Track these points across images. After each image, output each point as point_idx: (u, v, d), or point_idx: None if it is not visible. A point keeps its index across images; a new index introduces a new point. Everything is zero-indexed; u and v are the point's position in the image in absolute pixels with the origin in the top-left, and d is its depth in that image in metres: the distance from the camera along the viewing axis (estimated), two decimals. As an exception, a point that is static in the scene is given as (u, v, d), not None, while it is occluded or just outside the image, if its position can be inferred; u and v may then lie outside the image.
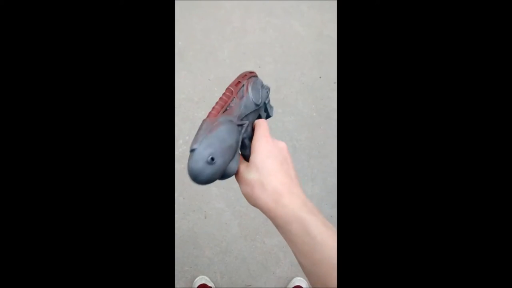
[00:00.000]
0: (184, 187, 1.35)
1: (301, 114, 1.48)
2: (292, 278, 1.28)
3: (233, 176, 0.36)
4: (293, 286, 1.25)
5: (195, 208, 1.34)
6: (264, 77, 1.43)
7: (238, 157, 0.35)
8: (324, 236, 0.29)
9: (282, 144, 0.36)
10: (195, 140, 0.32)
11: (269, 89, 0.40)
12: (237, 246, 1.31)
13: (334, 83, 1.53)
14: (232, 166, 0.33)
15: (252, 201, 0.34)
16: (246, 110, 0.36)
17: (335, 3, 1.41)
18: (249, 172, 0.34)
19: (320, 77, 1.53)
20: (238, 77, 0.38)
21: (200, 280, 1.24)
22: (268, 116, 0.41)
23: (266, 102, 0.40)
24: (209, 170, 0.31)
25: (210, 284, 1.23)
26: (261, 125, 0.37)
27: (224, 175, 0.33)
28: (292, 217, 0.31)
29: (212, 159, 0.31)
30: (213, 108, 0.35)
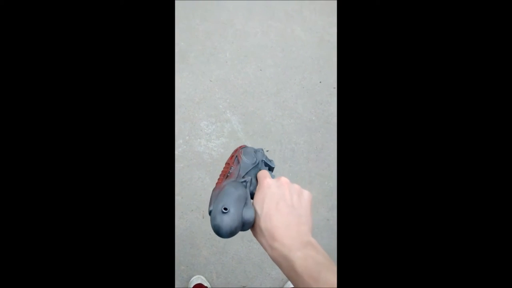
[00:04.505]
0: (182, 186, 1.35)
1: (300, 118, 1.49)
2: (287, 280, 1.29)
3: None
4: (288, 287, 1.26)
5: (193, 208, 1.34)
6: (265, 80, 1.43)
7: (251, 206, 0.38)
8: (310, 272, 0.31)
9: (282, 180, 0.39)
10: (209, 204, 0.37)
11: (263, 150, 0.48)
12: (234, 246, 1.32)
13: (334, 88, 1.55)
14: (248, 213, 0.37)
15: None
16: (244, 170, 0.43)
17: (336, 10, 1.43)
18: (255, 219, 0.37)
19: (320, 82, 1.55)
20: (232, 153, 0.46)
21: (196, 279, 1.25)
22: (271, 168, 0.47)
23: (264, 159, 0.46)
24: (226, 218, 0.35)
25: (206, 284, 1.24)
26: (261, 173, 0.42)
27: (244, 224, 0.37)
28: (280, 258, 0.33)
29: (225, 209, 0.35)
30: (218, 179, 0.42)
